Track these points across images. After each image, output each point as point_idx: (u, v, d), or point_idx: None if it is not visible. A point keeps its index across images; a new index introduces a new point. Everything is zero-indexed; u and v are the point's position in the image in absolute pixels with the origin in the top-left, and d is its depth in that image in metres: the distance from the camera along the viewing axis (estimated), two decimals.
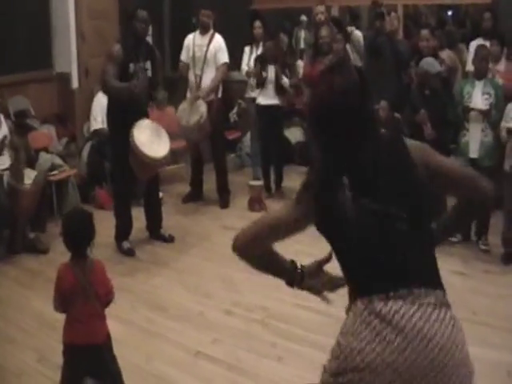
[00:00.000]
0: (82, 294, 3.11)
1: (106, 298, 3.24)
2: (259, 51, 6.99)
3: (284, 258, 2.24)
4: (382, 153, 1.99)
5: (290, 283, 2.24)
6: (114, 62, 5.25)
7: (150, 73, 5.43)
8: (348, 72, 2.05)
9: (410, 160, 1.96)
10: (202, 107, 6.11)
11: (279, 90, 6.71)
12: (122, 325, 3.93)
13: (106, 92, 5.54)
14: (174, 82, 7.42)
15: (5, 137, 5.50)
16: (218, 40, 6.48)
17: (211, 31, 6.51)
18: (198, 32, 6.57)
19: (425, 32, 6.21)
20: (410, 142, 2.03)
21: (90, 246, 3.17)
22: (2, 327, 4.41)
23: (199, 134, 6.22)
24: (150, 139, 5.23)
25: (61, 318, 3.21)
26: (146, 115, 5.47)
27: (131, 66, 5.29)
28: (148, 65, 5.43)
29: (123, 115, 5.23)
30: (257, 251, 2.17)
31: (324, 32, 6.36)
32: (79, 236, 3.14)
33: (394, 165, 1.98)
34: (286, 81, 6.68)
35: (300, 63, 6.83)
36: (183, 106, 6.26)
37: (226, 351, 3.99)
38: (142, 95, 5.27)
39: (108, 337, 3.26)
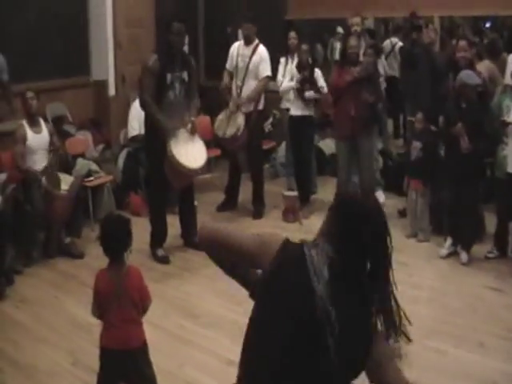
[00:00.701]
0: (117, 299, 3.13)
1: (143, 304, 3.25)
2: (295, 62, 6.96)
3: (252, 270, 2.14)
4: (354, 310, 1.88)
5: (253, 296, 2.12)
6: (151, 74, 5.27)
7: (186, 85, 5.44)
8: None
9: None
10: (240, 119, 6.11)
11: (303, 100, 6.67)
12: (154, 330, 3.93)
13: (142, 106, 5.54)
14: (207, 91, 7.48)
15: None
16: (262, 52, 6.44)
17: (255, 42, 6.47)
18: (242, 42, 6.57)
19: (463, 43, 6.14)
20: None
21: (126, 251, 3.19)
22: (36, 328, 4.48)
23: (234, 145, 6.22)
24: (187, 149, 5.22)
25: (94, 321, 3.25)
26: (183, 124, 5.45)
27: (168, 76, 5.30)
28: (185, 75, 5.43)
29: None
30: (213, 252, 2.13)
31: (352, 42, 6.33)
32: (117, 241, 3.17)
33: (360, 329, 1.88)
34: (309, 94, 6.62)
35: (318, 72, 6.79)
36: (222, 116, 6.26)
37: None
38: (177, 111, 5.31)
39: (144, 343, 3.27)
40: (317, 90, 6.56)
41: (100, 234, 3.23)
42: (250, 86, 6.38)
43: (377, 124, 6.80)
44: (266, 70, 6.40)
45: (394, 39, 8.67)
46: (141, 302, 3.23)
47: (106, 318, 3.19)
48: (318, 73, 6.66)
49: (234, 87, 6.50)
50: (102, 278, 3.21)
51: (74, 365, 3.96)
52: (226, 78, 6.62)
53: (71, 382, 3.79)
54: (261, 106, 6.61)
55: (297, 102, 6.69)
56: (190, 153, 5.23)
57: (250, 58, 6.39)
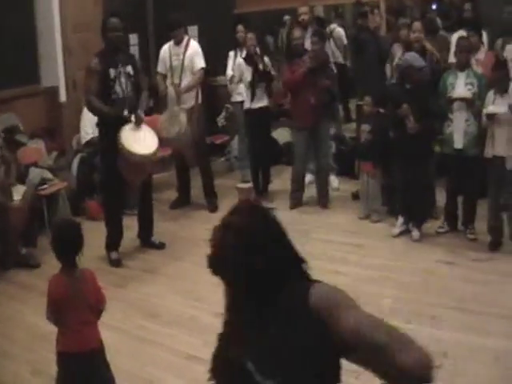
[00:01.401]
0: (72, 303, 3.14)
1: (98, 307, 3.26)
2: (243, 55, 7.03)
3: None
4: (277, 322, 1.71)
5: None
6: (93, 73, 5.30)
7: (132, 79, 5.46)
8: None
9: (308, 330, 1.64)
10: (182, 118, 6.11)
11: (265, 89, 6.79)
12: (114, 333, 3.96)
13: (90, 110, 5.57)
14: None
15: None
16: (194, 46, 6.53)
17: (186, 38, 6.56)
18: (172, 42, 6.60)
19: (417, 24, 6.23)
20: (320, 295, 1.69)
21: (78, 255, 3.19)
22: None
23: (180, 143, 6.24)
24: (136, 138, 5.25)
25: (54, 330, 3.24)
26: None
27: (111, 71, 5.33)
28: (129, 68, 5.45)
29: (112, 125, 5.26)
30: None
31: (296, 33, 6.45)
32: (68, 245, 3.17)
33: (288, 338, 1.67)
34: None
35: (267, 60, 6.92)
36: (164, 117, 6.26)
37: None
38: (126, 105, 5.34)
39: (100, 343, 3.28)
40: (269, 78, 6.69)
41: (51, 239, 3.25)
42: (187, 82, 6.45)
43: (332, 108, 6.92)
44: (200, 63, 6.47)
45: (333, 25, 8.75)
46: (96, 304, 3.25)
47: (61, 323, 3.19)
48: (266, 61, 6.79)
49: (170, 88, 6.53)
50: (56, 282, 3.20)
51: (33, 374, 3.96)
52: (160, 82, 6.66)
53: None
54: (200, 100, 6.65)
55: (251, 95, 6.77)
56: (140, 141, 5.25)
57: (183, 55, 6.46)
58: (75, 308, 3.15)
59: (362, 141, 6.07)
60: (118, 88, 5.36)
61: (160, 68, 6.69)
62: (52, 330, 3.28)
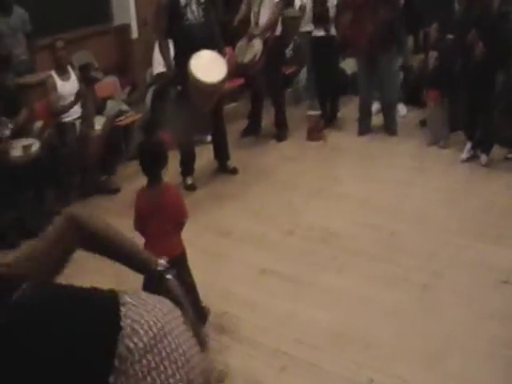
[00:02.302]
0: (157, 214, 3.37)
1: (180, 219, 3.48)
2: None
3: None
4: None
5: None
6: (163, 12, 5.49)
7: (203, 5, 5.55)
8: None
9: None
10: (258, 45, 6.22)
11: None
12: (188, 248, 4.11)
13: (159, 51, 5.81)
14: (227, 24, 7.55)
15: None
16: None
17: None
18: None
19: None
20: None
21: (163, 170, 3.42)
22: (79, 258, 4.76)
23: (253, 70, 6.36)
24: (207, 67, 5.35)
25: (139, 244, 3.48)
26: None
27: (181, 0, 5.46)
28: None
29: (188, 56, 5.36)
30: None
31: None
32: (153, 160, 3.39)
33: None
34: None
35: None
36: (241, 43, 6.38)
37: (288, 267, 4.24)
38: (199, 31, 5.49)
39: (183, 252, 3.52)
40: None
41: (138, 156, 3.47)
42: (266, 11, 6.47)
43: (395, 41, 6.85)
44: None
45: None
46: (178, 217, 3.46)
47: (147, 232, 3.41)
48: None
49: (252, 15, 6.62)
50: (142, 195, 3.45)
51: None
52: (244, 7, 6.70)
53: None
54: (277, 32, 6.68)
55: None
56: (208, 70, 5.34)
57: None
58: (159, 219, 3.37)
59: (430, 68, 6.05)
60: (190, 15, 5.49)
61: None
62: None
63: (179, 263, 3.45)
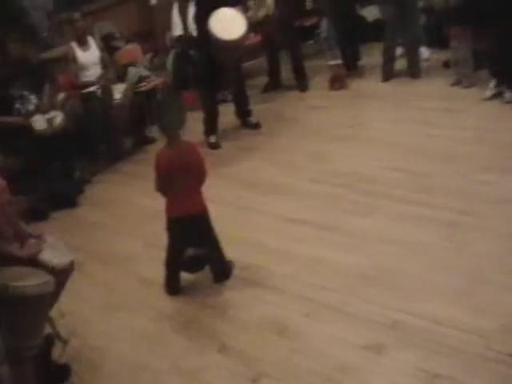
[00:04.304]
0: (178, 172, 3.38)
1: (201, 176, 3.49)
2: None
3: None
4: None
5: None
6: None
7: None
8: None
9: None
10: (269, 0, 6.16)
11: None
12: (213, 204, 4.06)
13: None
14: None
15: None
16: None
17: None
18: None
19: None
20: None
21: (181, 128, 3.40)
22: (110, 223, 4.88)
23: (268, 26, 6.29)
24: (226, 24, 5.35)
25: (161, 208, 3.51)
26: None
27: None
28: None
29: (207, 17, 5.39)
30: None
31: None
32: (171, 119, 3.38)
33: None
34: None
35: None
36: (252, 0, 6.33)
37: (313, 214, 4.23)
38: None
39: (205, 208, 3.54)
40: None
41: (156, 115, 3.47)
42: None
43: None
44: None
45: None
46: (199, 173, 3.47)
47: (169, 192, 3.45)
48: None
49: None
50: (162, 155, 3.44)
51: (144, 247, 4.30)
52: None
53: (146, 260, 4.13)
54: None
55: None
56: (228, 27, 5.33)
57: None
58: (181, 177, 3.39)
59: (452, 3, 5.90)
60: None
61: None
62: (159, 208, 3.54)
63: (201, 220, 3.52)
